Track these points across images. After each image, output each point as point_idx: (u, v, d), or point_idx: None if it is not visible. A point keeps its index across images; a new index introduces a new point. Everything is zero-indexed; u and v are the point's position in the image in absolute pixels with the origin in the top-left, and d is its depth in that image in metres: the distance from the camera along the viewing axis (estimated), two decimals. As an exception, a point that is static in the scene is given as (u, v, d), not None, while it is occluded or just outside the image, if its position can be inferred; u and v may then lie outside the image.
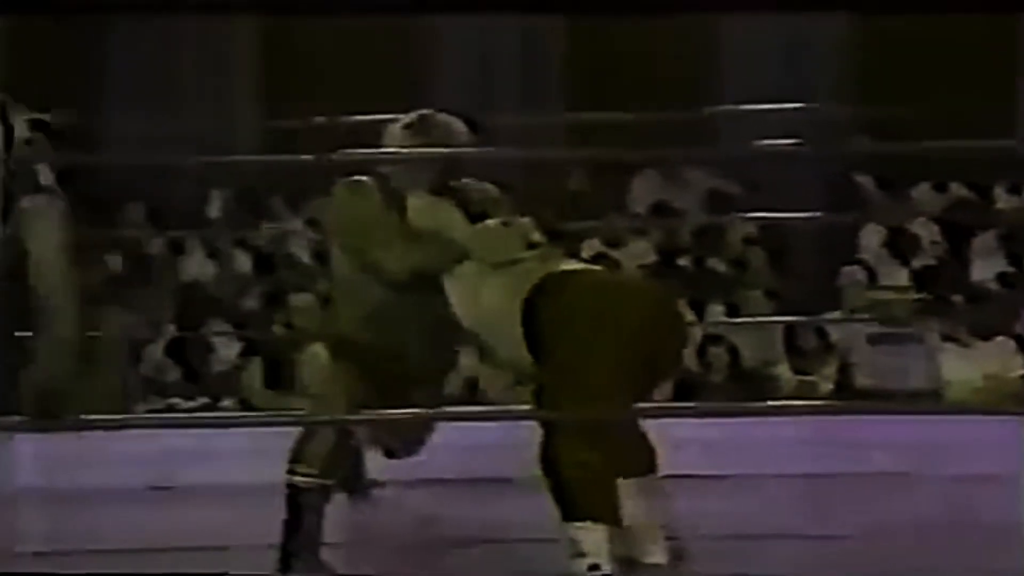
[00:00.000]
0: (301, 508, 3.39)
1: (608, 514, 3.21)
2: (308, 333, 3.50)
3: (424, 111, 3.56)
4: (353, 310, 3.45)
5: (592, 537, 3.19)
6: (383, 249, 3.38)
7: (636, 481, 3.34)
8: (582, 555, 3.19)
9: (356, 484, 4.01)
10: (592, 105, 8.08)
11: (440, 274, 3.37)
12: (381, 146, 3.54)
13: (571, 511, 3.20)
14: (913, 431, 4.48)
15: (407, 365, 3.45)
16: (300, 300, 6.76)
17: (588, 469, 3.19)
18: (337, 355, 3.42)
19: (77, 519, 3.91)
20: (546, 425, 3.24)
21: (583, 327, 3.22)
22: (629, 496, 3.32)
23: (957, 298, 7.01)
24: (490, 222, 3.39)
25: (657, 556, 3.35)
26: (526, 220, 3.41)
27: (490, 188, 3.49)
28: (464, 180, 3.49)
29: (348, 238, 3.45)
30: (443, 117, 3.56)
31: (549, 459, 3.22)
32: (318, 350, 3.45)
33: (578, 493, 3.20)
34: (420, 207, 3.41)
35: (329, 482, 3.41)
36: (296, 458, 3.41)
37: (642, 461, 3.36)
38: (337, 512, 3.54)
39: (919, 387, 6.53)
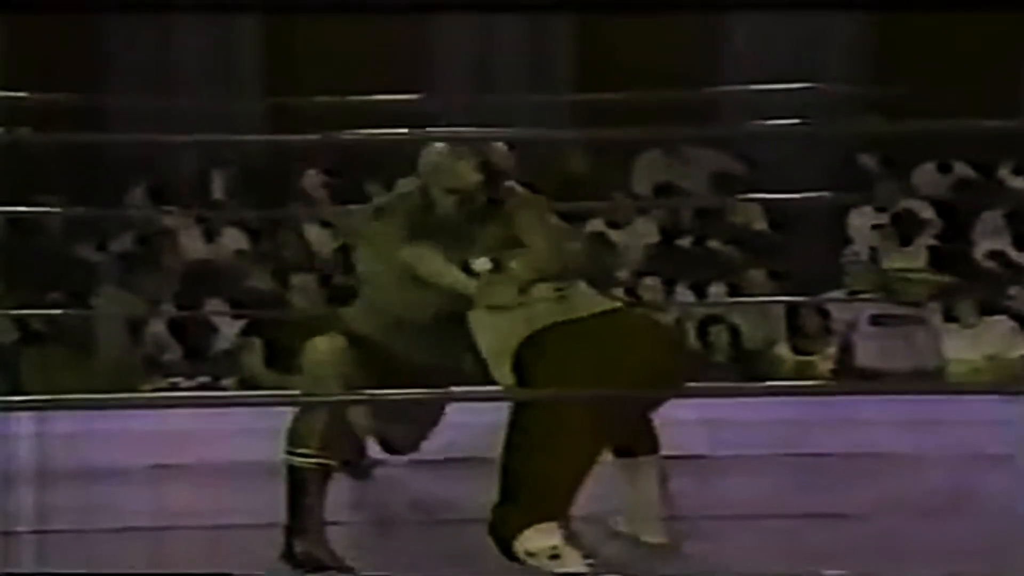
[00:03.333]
0: (302, 489, 3.37)
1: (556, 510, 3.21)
2: (317, 321, 3.51)
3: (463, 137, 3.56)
4: (375, 316, 3.47)
5: (537, 536, 3.20)
6: (413, 303, 3.43)
7: (636, 461, 3.35)
8: (532, 555, 3.21)
9: (359, 465, 4.01)
10: (596, 87, 8.07)
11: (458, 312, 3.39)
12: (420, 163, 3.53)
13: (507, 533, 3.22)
14: (915, 411, 4.47)
15: (414, 372, 3.45)
16: (301, 280, 6.76)
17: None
18: (347, 350, 3.43)
19: (78, 498, 3.90)
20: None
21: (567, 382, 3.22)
22: (631, 476, 3.33)
23: (960, 278, 7.00)
24: (480, 267, 3.40)
25: (658, 535, 3.35)
26: (517, 263, 3.40)
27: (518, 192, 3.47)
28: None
29: (382, 250, 3.48)
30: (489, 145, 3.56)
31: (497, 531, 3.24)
32: (328, 342, 3.45)
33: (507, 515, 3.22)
34: (412, 254, 3.45)
35: (330, 462, 3.40)
36: (294, 439, 3.40)
37: (643, 442, 3.37)
38: (341, 492, 3.54)
39: (921, 367, 6.53)
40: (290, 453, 3.40)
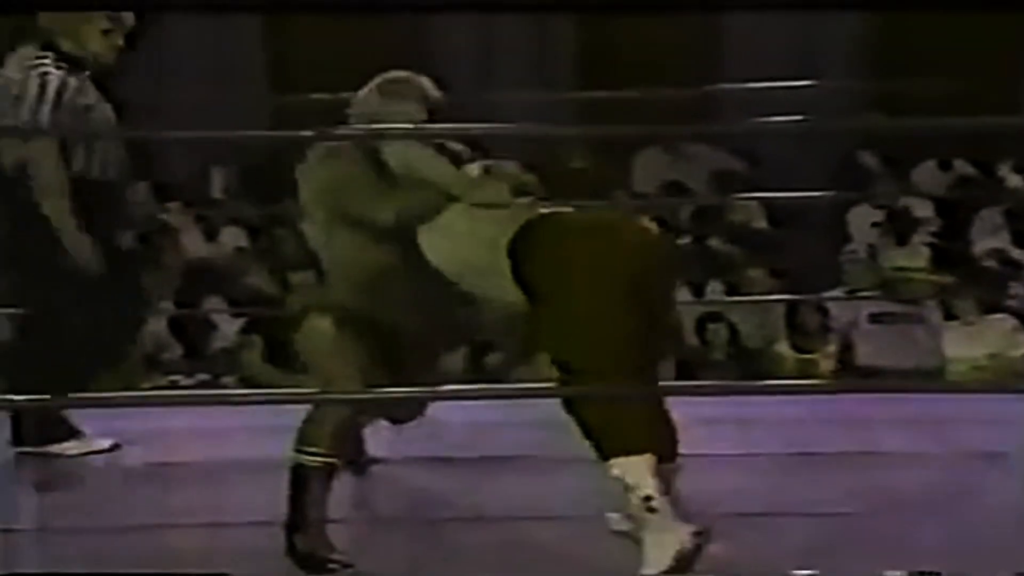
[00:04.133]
0: (306, 488, 3.37)
1: (646, 443, 3.11)
2: (304, 308, 3.45)
3: (388, 74, 3.54)
4: (346, 279, 3.42)
5: (636, 469, 3.09)
6: (367, 201, 3.36)
7: (663, 467, 3.25)
8: (630, 489, 3.10)
9: (358, 461, 4.01)
10: (596, 84, 8.07)
11: (425, 220, 3.33)
12: (353, 117, 3.51)
13: (606, 446, 3.11)
14: (914, 409, 4.47)
15: (408, 330, 3.43)
16: (300, 277, 6.75)
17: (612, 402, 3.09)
18: (338, 327, 3.38)
19: (77, 495, 3.90)
20: (560, 364, 3.15)
21: (573, 266, 3.16)
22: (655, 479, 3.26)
23: (960, 276, 7.00)
24: (474, 166, 3.37)
25: (687, 537, 3.28)
26: (511, 167, 3.39)
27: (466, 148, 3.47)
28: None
29: (328, 199, 3.41)
30: (411, 76, 3.56)
31: (570, 399, 3.13)
32: (318, 323, 3.40)
33: (608, 426, 3.10)
34: (399, 151, 3.38)
35: (337, 461, 3.40)
36: (304, 438, 3.39)
37: (669, 447, 3.27)
38: (341, 489, 3.54)
39: (921, 365, 6.53)
40: (299, 451, 3.40)
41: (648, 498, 3.10)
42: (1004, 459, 4.16)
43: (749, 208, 7.53)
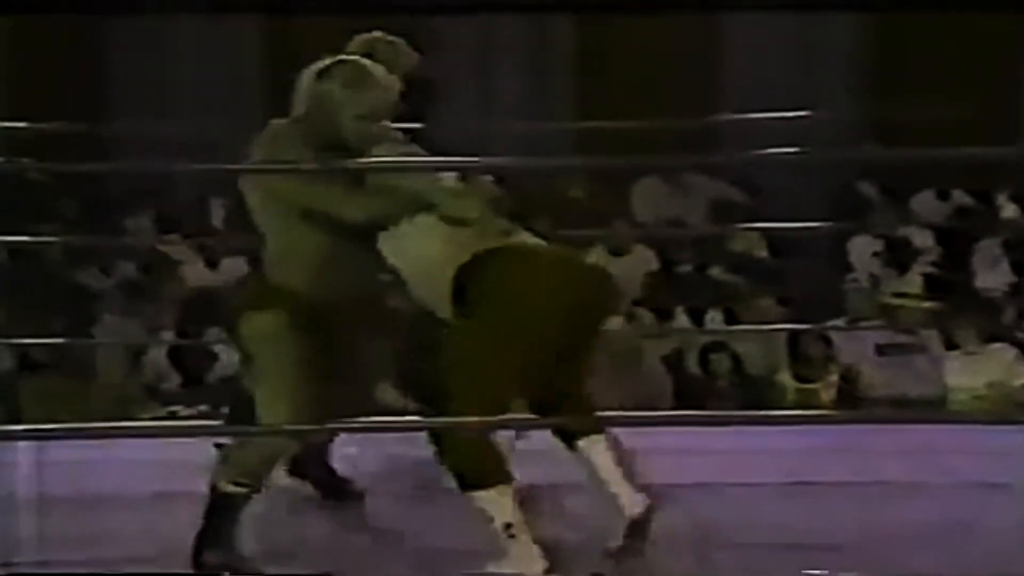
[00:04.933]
0: (223, 512, 3.39)
1: (500, 475, 3.26)
2: (250, 297, 3.39)
3: (344, 57, 3.41)
4: (293, 266, 3.34)
5: (493, 500, 3.24)
6: (335, 197, 3.29)
7: (597, 438, 3.38)
8: (490, 519, 3.25)
9: (336, 489, 4.01)
10: (596, 113, 8.09)
11: (393, 223, 3.32)
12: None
13: (466, 480, 3.26)
14: (916, 438, 4.46)
15: (350, 316, 3.38)
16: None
17: (477, 438, 3.24)
18: (280, 318, 3.31)
19: (80, 526, 3.89)
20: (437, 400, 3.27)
21: (495, 299, 3.24)
22: (599, 453, 3.34)
23: (959, 305, 7.00)
24: (451, 178, 3.38)
25: (638, 506, 3.37)
26: (488, 182, 3.40)
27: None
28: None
29: (291, 189, 3.31)
30: (382, 40, 3.51)
31: (438, 432, 3.27)
32: (261, 315, 3.32)
33: (465, 460, 3.25)
34: (383, 155, 3.36)
35: (257, 491, 3.41)
36: (229, 466, 3.39)
37: (594, 421, 3.40)
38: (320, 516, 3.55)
39: (923, 395, 6.52)
40: (217, 477, 3.41)
41: (508, 525, 3.24)
42: (1002, 489, 4.15)
43: (750, 237, 7.54)
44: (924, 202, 7.93)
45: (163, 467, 4.23)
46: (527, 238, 3.40)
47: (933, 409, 6.32)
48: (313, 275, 3.34)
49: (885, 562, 3.51)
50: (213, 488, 3.43)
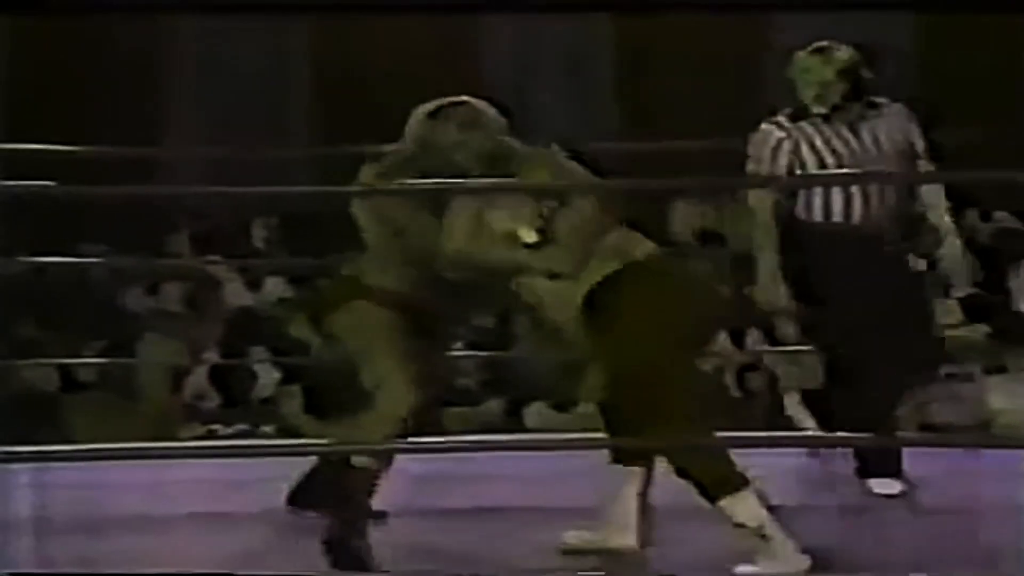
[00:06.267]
0: (354, 490, 3.49)
1: (742, 479, 3.32)
2: (337, 296, 3.64)
3: (455, 99, 3.57)
4: (387, 271, 3.58)
5: (742, 504, 3.29)
6: (435, 230, 3.46)
7: (630, 470, 3.46)
8: (743, 526, 3.30)
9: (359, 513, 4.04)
10: (636, 134, 8.10)
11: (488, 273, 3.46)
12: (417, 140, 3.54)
13: (712, 491, 3.31)
14: (955, 462, 4.43)
15: (438, 312, 3.61)
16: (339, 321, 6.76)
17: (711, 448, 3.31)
18: (376, 304, 3.55)
19: (115, 546, 3.92)
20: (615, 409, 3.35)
21: (644, 321, 3.33)
22: (632, 482, 3.43)
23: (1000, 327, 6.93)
24: (527, 238, 3.42)
25: (627, 540, 3.44)
26: (561, 226, 3.42)
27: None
28: None
29: (397, 216, 3.56)
30: (479, 105, 3.60)
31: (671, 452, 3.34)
32: (354, 306, 3.55)
33: (709, 472, 3.31)
34: (463, 239, 3.45)
35: (384, 465, 3.52)
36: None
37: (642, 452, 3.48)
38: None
39: (966, 420, 6.46)
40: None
41: (760, 526, 3.28)
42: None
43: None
44: (967, 222, 7.88)
45: (203, 485, 4.26)
46: (627, 239, 3.46)
47: (978, 434, 6.27)
48: (403, 277, 3.58)
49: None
50: (346, 464, 3.52)
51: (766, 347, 6.81)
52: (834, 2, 7.96)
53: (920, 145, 4.22)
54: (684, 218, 8.00)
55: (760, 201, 4.22)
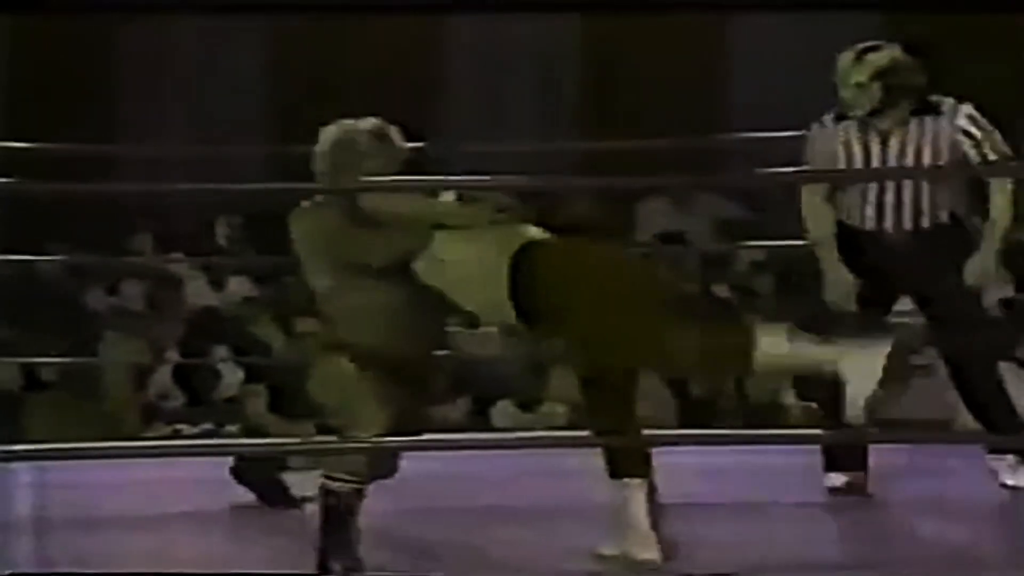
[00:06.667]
0: (338, 511, 3.47)
1: (647, 468, 3.40)
2: (321, 351, 3.59)
3: (362, 122, 3.62)
4: (357, 320, 3.53)
5: (637, 493, 3.36)
6: (357, 246, 3.49)
7: (641, 483, 3.43)
8: (626, 511, 3.37)
9: (277, 496, 4.09)
10: (601, 131, 8.10)
11: (415, 254, 3.46)
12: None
13: (624, 468, 3.38)
14: (924, 459, 4.46)
15: (417, 361, 3.57)
16: (307, 325, 6.76)
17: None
18: (356, 366, 3.50)
19: (80, 546, 3.89)
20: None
21: (583, 285, 3.34)
22: (635, 495, 3.40)
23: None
24: (447, 195, 3.48)
25: (649, 552, 3.42)
26: (488, 196, 3.48)
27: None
28: None
29: (324, 247, 3.54)
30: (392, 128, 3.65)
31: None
32: (338, 364, 3.51)
33: (622, 453, 3.38)
34: (381, 198, 3.49)
35: (367, 483, 3.51)
36: (334, 464, 3.49)
37: (647, 463, 3.45)
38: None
39: (930, 416, 6.49)
40: (328, 478, 3.51)
41: (636, 516, 3.38)
42: (1010, 509, 4.15)
43: (755, 256, 7.53)
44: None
45: (160, 487, 4.23)
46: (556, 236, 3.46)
47: (940, 430, 6.30)
48: (375, 322, 3.53)
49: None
50: (323, 490, 3.52)
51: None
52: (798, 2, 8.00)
53: (972, 154, 4.08)
54: (649, 218, 8.01)
55: (811, 199, 4.20)
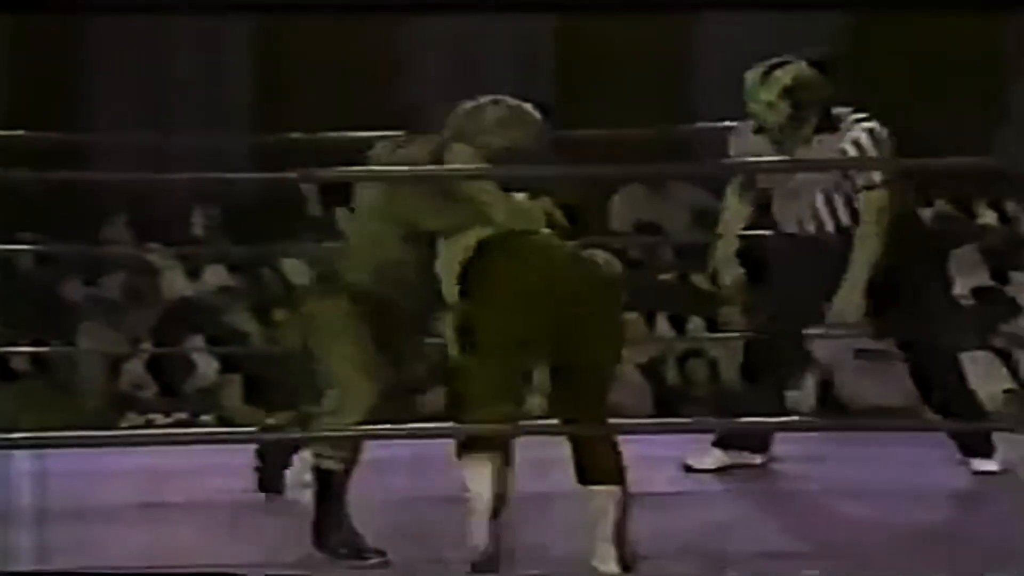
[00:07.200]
0: (330, 488, 3.54)
1: (495, 448, 3.37)
2: (323, 287, 3.70)
3: (498, 97, 3.67)
4: (365, 264, 3.64)
5: (481, 472, 3.35)
6: (423, 209, 3.56)
7: (611, 490, 3.38)
8: (467, 490, 3.38)
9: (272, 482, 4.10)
10: (575, 119, 8.11)
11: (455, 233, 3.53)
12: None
13: (467, 446, 3.39)
14: (894, 445, 4.48)
15: (403, 309, 3.67)
16: (283, 315, 6.76)
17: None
18: (351, 305, 3.61)
19: (58, 537, 3.88)
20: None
21: (485, 281, 3.42)
22: (602, 504, 3.36)
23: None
24: (520, 196, 3.54)
25: (609, 564, 3.38)
26: (546, 199, 3.55)
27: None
28: None
29: (385, 198, 3.61)
30: (521, 105, 3.68)
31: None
32: (334, 301, 3.61)
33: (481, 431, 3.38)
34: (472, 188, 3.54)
35: (354, 463, 3.58)
36: (321, 444, 3.58)
37: (614, 471, 3.41)
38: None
39: (899, 403, 6.53)
40: (318, 456, 3.59)
41: (477, 498, 3.37)
42: (976, 498, 4.17)
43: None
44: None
45: (143, 476, 4.23)
46: (536, 233, 3.49)
47: (911, 417, 6.34)
48: (381, 271, 3.64)
49: (857, 571, 3.52)
50: (316, 470, 3.59)
51: (707, 334, 6.84)
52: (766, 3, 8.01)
53: (863, 177, 4.16)
54: (623, 208, 8.03)
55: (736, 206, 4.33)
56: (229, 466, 4.11)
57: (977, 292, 7.07)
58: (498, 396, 3.40)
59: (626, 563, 3.39)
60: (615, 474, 3.41)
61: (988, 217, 7.89)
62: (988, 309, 6.94)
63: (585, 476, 3.43)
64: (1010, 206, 7.91)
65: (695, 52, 8.68)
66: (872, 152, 4.16)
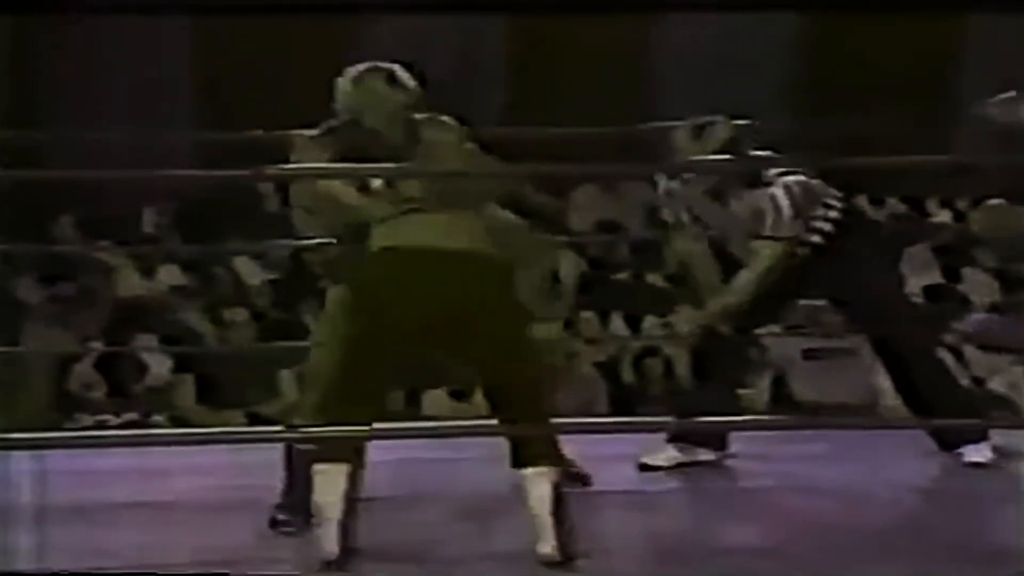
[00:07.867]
0: (297, 469, 3.56)
1: (348, 455, 3.37)
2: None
3: (376, 64, 3.66)
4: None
5: (329, 480, 3.35)
6: (315, 217, 3.64)
7: (544, 471, 3.37)
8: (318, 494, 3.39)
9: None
10: (529, 118, 8.11)
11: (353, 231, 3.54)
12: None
13: (318, 454, 3.40)
14: (845, 444, 4.50)
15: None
16: (236, 314, 6.72)
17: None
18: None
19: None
20: None
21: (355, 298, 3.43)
22: (538, 486, 3.36)
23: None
24: (376, 185, 3.52)
25: (547, 547, 3.36)
26: (408, 183, 3.50)
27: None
28: None
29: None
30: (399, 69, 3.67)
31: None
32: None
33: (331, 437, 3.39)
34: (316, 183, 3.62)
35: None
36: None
37: (549, 454, 3.38)
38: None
39: (854, 400, 6.57)
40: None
41: (321, 504, 3.39)
42: (936, 494, 4.20)
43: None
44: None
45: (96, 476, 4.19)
46: (435, 224, 3.46)
47: (865, 414, 6.37)
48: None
49: (812, 568, 3.53)
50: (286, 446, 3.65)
51: (663, 333, 6.86)
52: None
53: (769, 222, 4.31)
54: (584, 206, 8.04)
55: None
56: (216, 465, 4.09)
57: (928, 290, 7.12)
58: (350, 399, 3.38)
59: (566, 547, 3.34)
60: (550, 456, 3.36)
61: (942, 216, 7.95)
62: (939, 307, 7.00)
63: (518, 459, 3.37)
64: (962, 204, 7.98)
65: (652, 52, 8.70)
66: (787, 209, 4.31)
